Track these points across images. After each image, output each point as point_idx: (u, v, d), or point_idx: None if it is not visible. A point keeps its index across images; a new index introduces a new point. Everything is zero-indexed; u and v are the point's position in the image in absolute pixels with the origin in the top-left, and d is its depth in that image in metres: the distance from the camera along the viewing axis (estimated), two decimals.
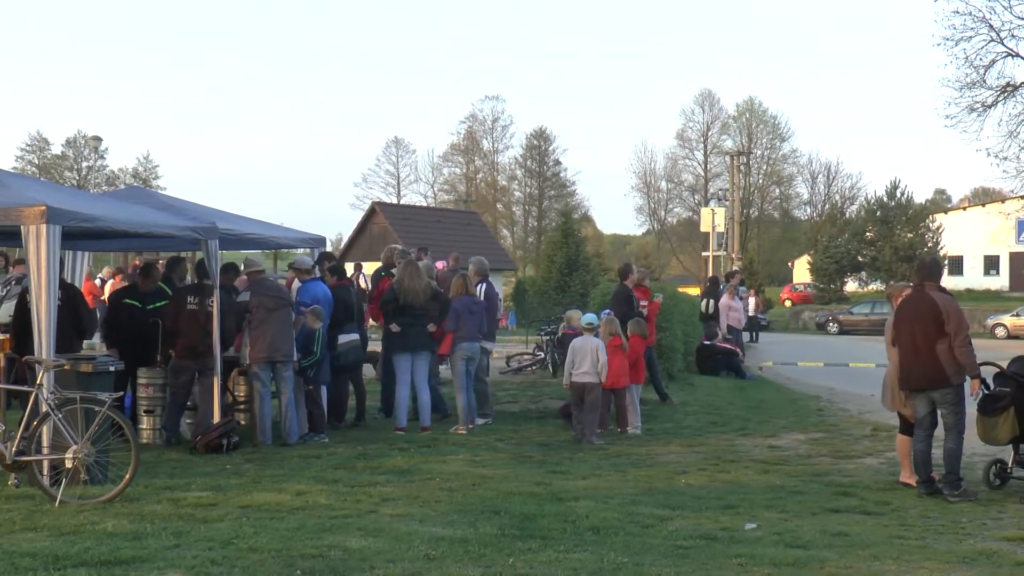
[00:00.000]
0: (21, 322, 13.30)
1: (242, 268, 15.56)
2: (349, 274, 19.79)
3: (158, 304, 15.07)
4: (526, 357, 26.26)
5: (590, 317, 15.73)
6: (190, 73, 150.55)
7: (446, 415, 16.36)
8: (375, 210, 70.81)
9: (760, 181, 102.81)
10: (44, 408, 10.90)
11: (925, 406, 11.50)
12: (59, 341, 12.03)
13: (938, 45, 54.08)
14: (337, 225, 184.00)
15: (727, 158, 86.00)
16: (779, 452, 14.28)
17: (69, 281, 14.93)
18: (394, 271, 16.67)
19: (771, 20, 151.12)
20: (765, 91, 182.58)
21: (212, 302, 14.29)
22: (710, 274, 49.73)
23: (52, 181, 69.92)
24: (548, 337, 25.33)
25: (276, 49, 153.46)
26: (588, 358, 14.98)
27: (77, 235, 13.61)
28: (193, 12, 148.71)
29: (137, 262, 22.28)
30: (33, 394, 11.06)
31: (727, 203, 71.36)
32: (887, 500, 11.11)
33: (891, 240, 72.10)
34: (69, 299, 13.36)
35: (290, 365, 14.57)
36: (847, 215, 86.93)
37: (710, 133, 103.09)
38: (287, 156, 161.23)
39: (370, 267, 27.23)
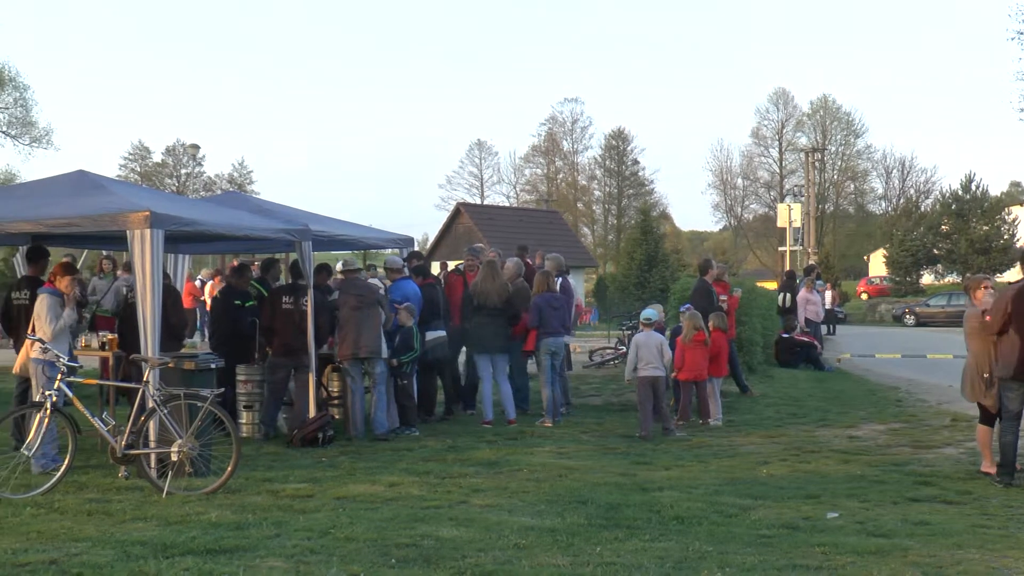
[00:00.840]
0: (127, 322, 13.47)
1: (337, 268, 15.65)
2: (436, 273, 19.87)
3: (250, 303, 15.27)
4: (608, 351, 26.20)
5: (650, 312, 15.60)
6: (282, 83, 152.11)
7: (525, 412, 16.28)
8: (460, 211, 70.91)
9: (835, 177, 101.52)
10: (151, 404, 11.07)
11: (1021, 399, 11.22)
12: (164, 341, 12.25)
13: (1012, 39, 53.08)
14: (423, 226, 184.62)
15: (802, 155, 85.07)
16: (859, 442, 14.11)
17: (170, 283, 15.12)
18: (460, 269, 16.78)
19: (844, 18, 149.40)
20: (839, 88, 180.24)
21: (306, 301, 14.41)
22: (786, 268, 49.21)
23: (153, 188, 70.99)
24: (629, 332, 25.28)
25: (363, 59, 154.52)
26: (654, 353, 14.92)
27: (178, 238, 13.79)
28: (284, 25, 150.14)
29: (235, 263, 22.48)
30: (140, 391, 11.25)
31: (803, 199, 70.48)
32: (968, 490, 10.92)
33: (966, 233, 70.97)
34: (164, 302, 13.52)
35: (378, 361, 14.61)
36: (922, 209, 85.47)
37: (785, 130, 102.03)
38: (375, 160, 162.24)
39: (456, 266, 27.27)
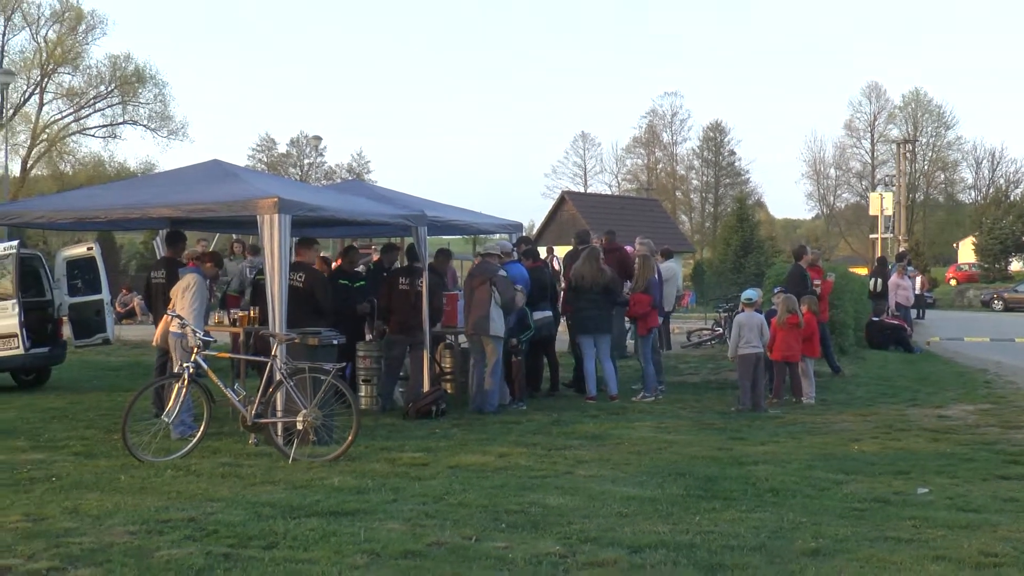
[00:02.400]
0: (259, 300, 13.68)
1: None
2: (543, 257, 19.87)
3: (359, 283, 15.40)
4: (705, 332, 26.13)
5: (750, 293, 15.51)
6: (398, 77, 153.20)
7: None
8: (564, 199, 70.85)
9: (925, 167, 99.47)
10: (278, 377, 11.26)
11: None
12: (301, 319, 12.41)
13: None
14: (530, 213, 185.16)
15: (893, 146, 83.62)
16: (948, 422, 13.84)
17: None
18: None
19: (935, 13, 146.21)
20: (930, 82, 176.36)
21: (421, 282, 14.51)
22: (878, 255, 48.37)
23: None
24: (726, 314, 25.12)
25: (476, 57, 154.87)
26: (755, 332, 14.82)
27: (303, 223, 13.96)
28: (398, 26, 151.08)
29: (342, 247, 22.72)
30: (269, 364, 11.44)
31: (894, 188, 69.26)
32: None
33: None
34: (309, 283, 13.68)
35: (492, 339, 14.62)
36: (1011, 198, 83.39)
37: (877, 123, 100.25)
38: (486, 150, 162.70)
39: (561, 250, 27.28)
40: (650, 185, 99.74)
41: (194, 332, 11.57)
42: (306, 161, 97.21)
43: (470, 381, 14.80)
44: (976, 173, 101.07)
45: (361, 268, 17.18)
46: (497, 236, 18.48)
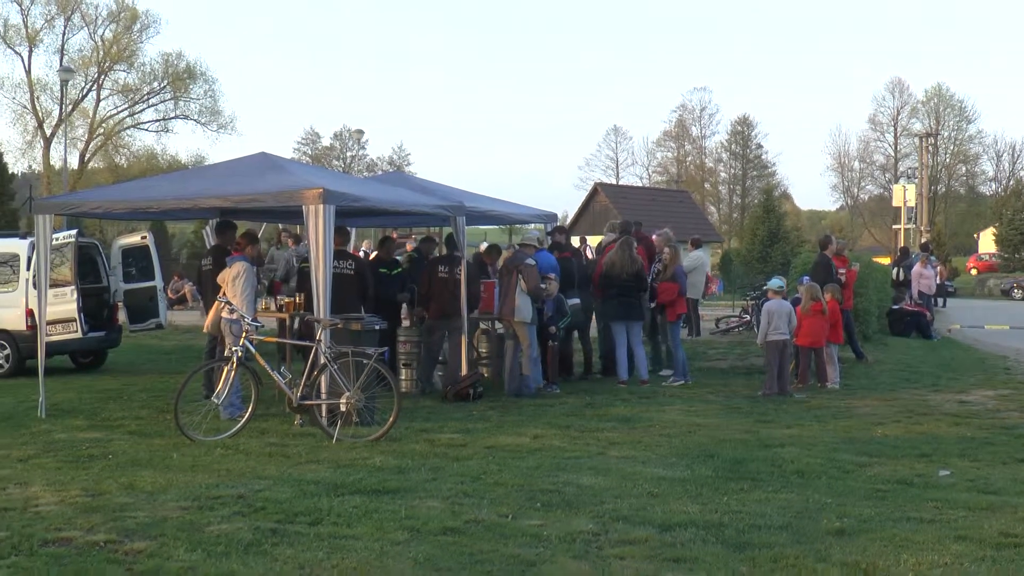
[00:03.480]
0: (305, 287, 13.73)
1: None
2: (576, 246, 19.86)
3: (397, 271, 15.42)
4: (733, 319, 26.05)
5: (777, 282, 15.43)
6: (436, 73, 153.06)
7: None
8: (597, 190, 70.60)
9: (947, 160, 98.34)
10: (322, 360, 11.28)
11: None
12: (348, 305, 12.47)
13: None
14: (564, 203, 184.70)
15: (916, 140, 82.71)
16: (969, 407, 13.69)
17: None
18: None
19: (957, 9, 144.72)
20: (952, 77, 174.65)
21: (460, 270, 14.51)
22: (900, 245, 47.97)
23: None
24: (753, 302, 25.04)
25: (511, 52, 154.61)
26: (783, 319, 14.75)
27: (347, 213, 13.98)
28: (437, 25, 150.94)
29: (394, 235, 22.73)
30: (313, 348, 11.47)
31: (916, 180, 68.63)
32: None
33: None
34: (358, 269, 13.75)
35: (520, 325, 14.53)
36: None
37: (900, 117, 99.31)
38: (522, 143, 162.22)
39: (594, 240, 27.28)
40: (680, 177, 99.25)
41: (244, 317, 11.63)
42: (349, 154, 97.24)
43: (504, 366, 14.78)
44: (997, 166, 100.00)
45: (400, 257, 17.22)
46: (532, 226, 18.44)
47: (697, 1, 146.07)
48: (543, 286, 14.69)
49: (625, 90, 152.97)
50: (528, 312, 14.48)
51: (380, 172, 77.42)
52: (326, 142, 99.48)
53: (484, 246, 17.01)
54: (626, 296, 15.59)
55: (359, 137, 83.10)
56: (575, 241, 24.89)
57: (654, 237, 17.36)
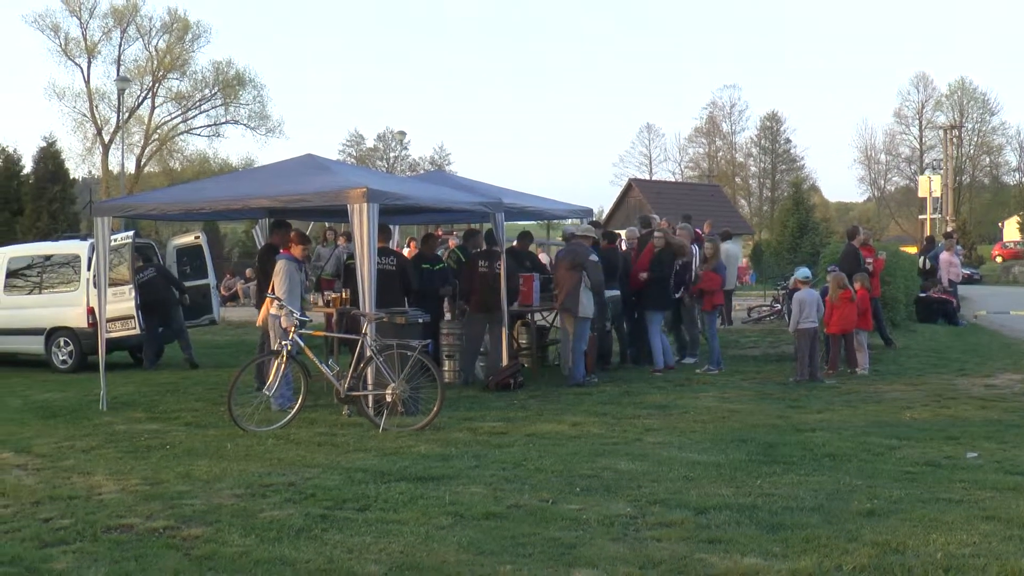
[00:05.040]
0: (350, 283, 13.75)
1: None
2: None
3: (439, 266, 15.41)
4: (764, 309, 25.87)
5: (805, 272, 15.35)
6: (474, 75, 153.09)
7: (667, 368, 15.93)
8: (631, 186, 70.44)
9: (971, 151, 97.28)
10: (368, 353, 11.30)
11: None
12: (392, 300, 12.52)
13: None
14: (599, 199, 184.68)
15: (940, 132, 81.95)
16: (996, 390, 13.53)
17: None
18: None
19: (981, 3, 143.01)
20: (975, 70, 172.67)
21: (499, 265, 14.49)
22: (927, 235, 47.49)
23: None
24: (783, 291, 24.88)
25: (547, 52, 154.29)
26: (813, 308, 14.65)
27: (391, 211, 14.00)
28: (473, 28, 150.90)
29: (438, 232, 22.73)
30: (360, 341, 11.49)
31: (941, 172, 67.99)
32: None
33: None
34: (400, 266, 13.77)
35: (579, 320, 14.36)
36: None
37: (924, 110, 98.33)
38: (558, 141, 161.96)
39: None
40: (711, 172, 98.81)
41: (291, 312, 11.67)
42: (392, 154, 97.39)
43: (563, 354, 14.72)
44: (1020, 156, 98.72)
45: (441, 252, 17.21)
46: (569, 221, 18.40)
47: (725, 2, 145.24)
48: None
49: (657, 89, 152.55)
50: (591, 308, 14.41)
51: (422, 171, 77.56)
52: (370, 143, 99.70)
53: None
54: (662, 285, 15.62)
55: (401, 138, 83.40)
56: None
57: (677, 230, 17.30)
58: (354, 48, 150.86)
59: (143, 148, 72.83)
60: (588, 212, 18.34)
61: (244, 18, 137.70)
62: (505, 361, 14.41)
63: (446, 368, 14.62)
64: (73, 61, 70.81)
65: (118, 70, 68.96)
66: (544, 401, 12.96)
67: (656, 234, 16.27)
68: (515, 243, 16.70)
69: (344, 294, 13.61)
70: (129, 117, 69.69)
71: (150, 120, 73.26)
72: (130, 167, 67.82)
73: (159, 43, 72.67)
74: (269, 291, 12.46)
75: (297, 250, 12.83)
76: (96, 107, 70.70)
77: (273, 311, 12.19)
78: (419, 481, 8.41)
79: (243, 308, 31.40)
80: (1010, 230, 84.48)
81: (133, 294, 18.08)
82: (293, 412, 11.39)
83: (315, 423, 11.42)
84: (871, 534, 6.68)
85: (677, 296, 16.07)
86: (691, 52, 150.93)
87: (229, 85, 73.47)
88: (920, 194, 65.34)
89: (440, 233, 20.51)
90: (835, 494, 7.79)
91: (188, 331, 19.06)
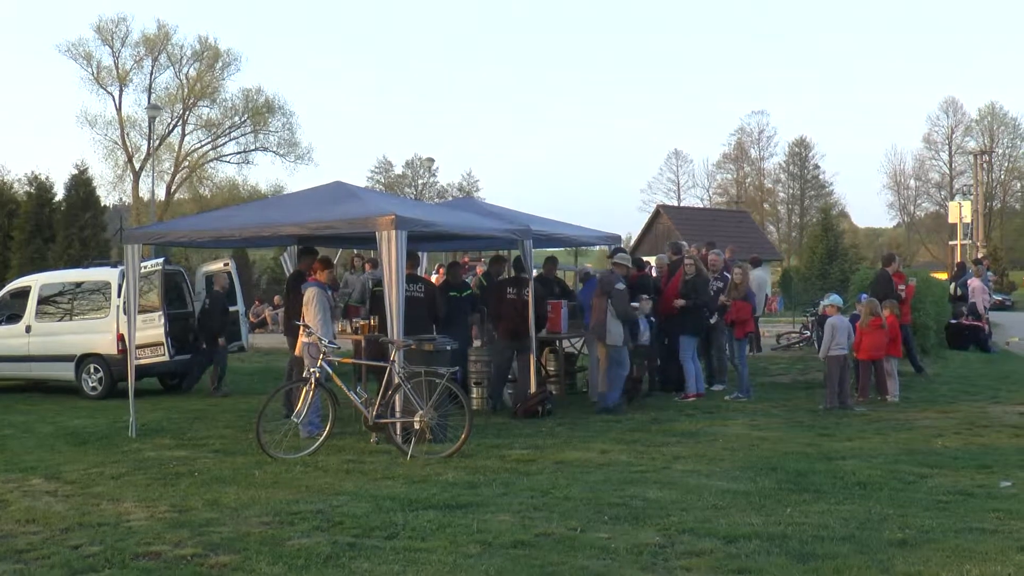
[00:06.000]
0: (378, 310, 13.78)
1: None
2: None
3: (466, 292, 15.44)
4: (794, 335, 25.76)
5: (837, 298, 15.32)
6: (502, 102, 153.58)
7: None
8: (659, 212, 70.38)
9: (1002, 177, 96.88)
10: (396, 380, 11.31)
11: None
12: (420, 327, 12.55)
13: None
14: (627, 226, 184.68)
15: (970, 157, 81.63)
16: None
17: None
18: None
19: (1010, 28, 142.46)
20: (1006, 95, 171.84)
21: (527, 292, 14.48)
22: (957, 261, 47.20)
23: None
24: (812, 318, 24.75)
25: (574, 81, 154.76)
26: (844, 334, 14.58)
27: (419, 238, 14.04)
28: (502, 56, 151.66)
29: (466, 260, 22.76)
30: (388, 369, 11.50)
31: (972, 197, 67.62)
32: None
33: None
34: (428, 293, 13.81)
35: (607, 347, 14.37)
36: None
37: (954, 136, 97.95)
38: (586, 167, 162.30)
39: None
40: (740, 198, 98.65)
41: (321, 340, 11.69)
42: (420, 181, 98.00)
43: (590, 380, 14.72)
44: None
45: (469, 279, 17.24)
46: (597, 248, 18.40)
47: (752, 27, 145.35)
48: (635, 305, 14.65)
49: (685, 115, 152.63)
50: (619, 335, 14.36)
51: (450, 198, 77.80)
52: (398, 170, 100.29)
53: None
54: (695, 312, 15.61)
55: (430, 165, 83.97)
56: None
57: (710, 256, 17.28)
58: (384, 75, 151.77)
59: (173, 175, 73.48)
60: (616, 238, 18.33)
61: (274, 46, 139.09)
62: (533, 388, 14.38)
63: (474, 395, 14.62)
64: (105, 89, 71.74)
65: (149, 98, 69.76)
66: (572, 428, 12.92)
67: (687, 261, 16.24)
68: (542, 269, 16.73)
69: (372, 321, 13.63)
70: (160, 144, 70.39)
71: (180, 147, 73.97)
72: (160, 194, 68.36)
73: (190, 71, 73.53)
74: (300, 319, 12.49)
75: (323, 275, 12.86)
76: (127, 135, 71.53)
77: (304, 339, 12.22)
78: (447, 509, 8.39)
79: (271, 335, 31.51)
80: None
81: (163, 321, 18.19)
82: (321, 439, 11.40)
83: (343, 450, 11.42)
84: (903, 564, 6.61)
85: (712, 321, 16.05)
86: (718, 78, 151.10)
87: (259, 112, 74.06)
88: (950, 220, 65.08)
89: (467, 260, 20.52)
90: (866, 523, 7.72)
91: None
